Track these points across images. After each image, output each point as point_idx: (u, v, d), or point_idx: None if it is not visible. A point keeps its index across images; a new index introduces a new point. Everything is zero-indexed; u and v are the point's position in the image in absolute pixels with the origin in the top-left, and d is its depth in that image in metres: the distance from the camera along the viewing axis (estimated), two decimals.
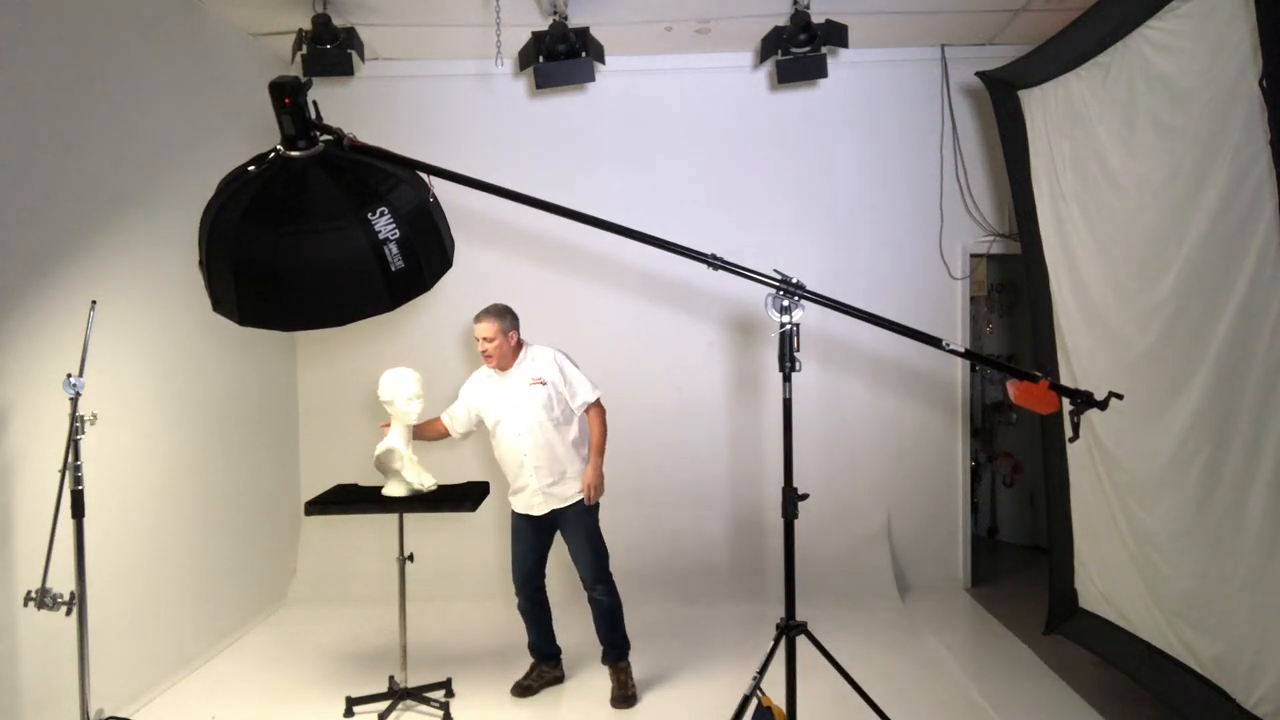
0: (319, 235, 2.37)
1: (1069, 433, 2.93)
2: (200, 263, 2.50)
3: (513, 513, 4.01)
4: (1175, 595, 3.26)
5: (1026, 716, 3.72)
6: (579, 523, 3.91)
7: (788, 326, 2.74)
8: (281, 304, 2.47)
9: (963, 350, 3.10)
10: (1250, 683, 2.86)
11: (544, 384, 3.83)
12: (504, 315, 3.84)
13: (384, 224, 2.40)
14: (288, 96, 2.27)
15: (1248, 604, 2.85)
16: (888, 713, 3.02)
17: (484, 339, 3.80)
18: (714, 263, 2.65)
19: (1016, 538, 6.64)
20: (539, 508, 3.89)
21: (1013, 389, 2.87)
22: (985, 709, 3.75)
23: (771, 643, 2.93)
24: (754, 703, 2.97)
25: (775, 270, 2.75)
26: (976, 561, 5.65)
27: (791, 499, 2.86)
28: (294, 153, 2.35)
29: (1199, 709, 3.11)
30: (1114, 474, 3.62)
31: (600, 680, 4.07)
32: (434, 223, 2.56)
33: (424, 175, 2.56)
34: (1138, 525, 3.47)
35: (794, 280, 2.74)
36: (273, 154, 2.38)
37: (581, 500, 3.89)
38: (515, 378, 3.87)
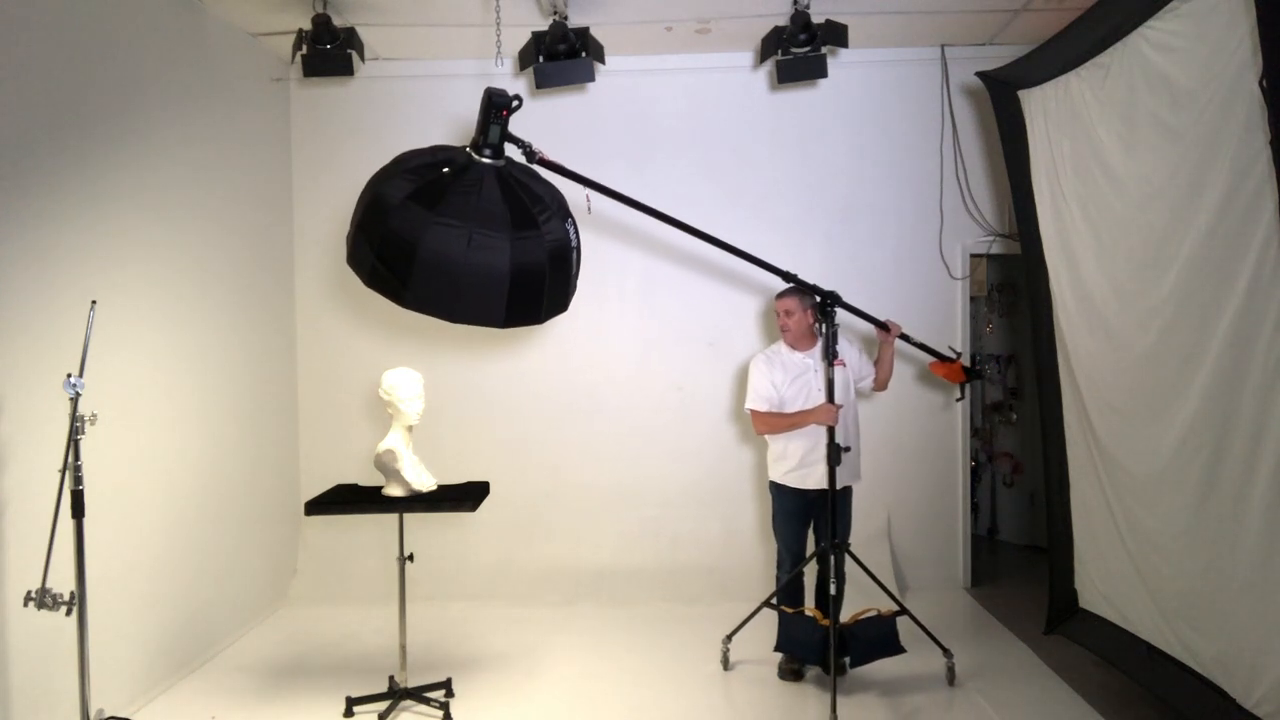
0: (466, 237, 2.51)
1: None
2: (358, 226, 2.67)
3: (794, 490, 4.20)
4: (1175, 595, 3.26)
5: (1026, 716, 3.72)
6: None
7: (834, 327, 3.69)
8: (408, 277, 2.59)
9: (916, 340, 4.11)
10: (1250, 683, 2.86)
11: None
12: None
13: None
14: (505, 110, 2.57)
15: (1248, 604, 2.85)
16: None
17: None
18: (790, 277, 3.59)
19: (1016, 538, 6.64)
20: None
21: (934, 367, 4.26)
22: (985, 709, 3.76)
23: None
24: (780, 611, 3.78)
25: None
26: (976, 561, 5.65)
27: (835, 451, 3.72)
28: (483, 160, 2.60)
29: (1199, 709, 3.11)
30: (1114, 474, 3.62)
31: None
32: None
33: (586, 192, 2.88)
34: (1138, 525, 3.47)
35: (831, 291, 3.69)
36: (464, 158, 2.62)
37: None
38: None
